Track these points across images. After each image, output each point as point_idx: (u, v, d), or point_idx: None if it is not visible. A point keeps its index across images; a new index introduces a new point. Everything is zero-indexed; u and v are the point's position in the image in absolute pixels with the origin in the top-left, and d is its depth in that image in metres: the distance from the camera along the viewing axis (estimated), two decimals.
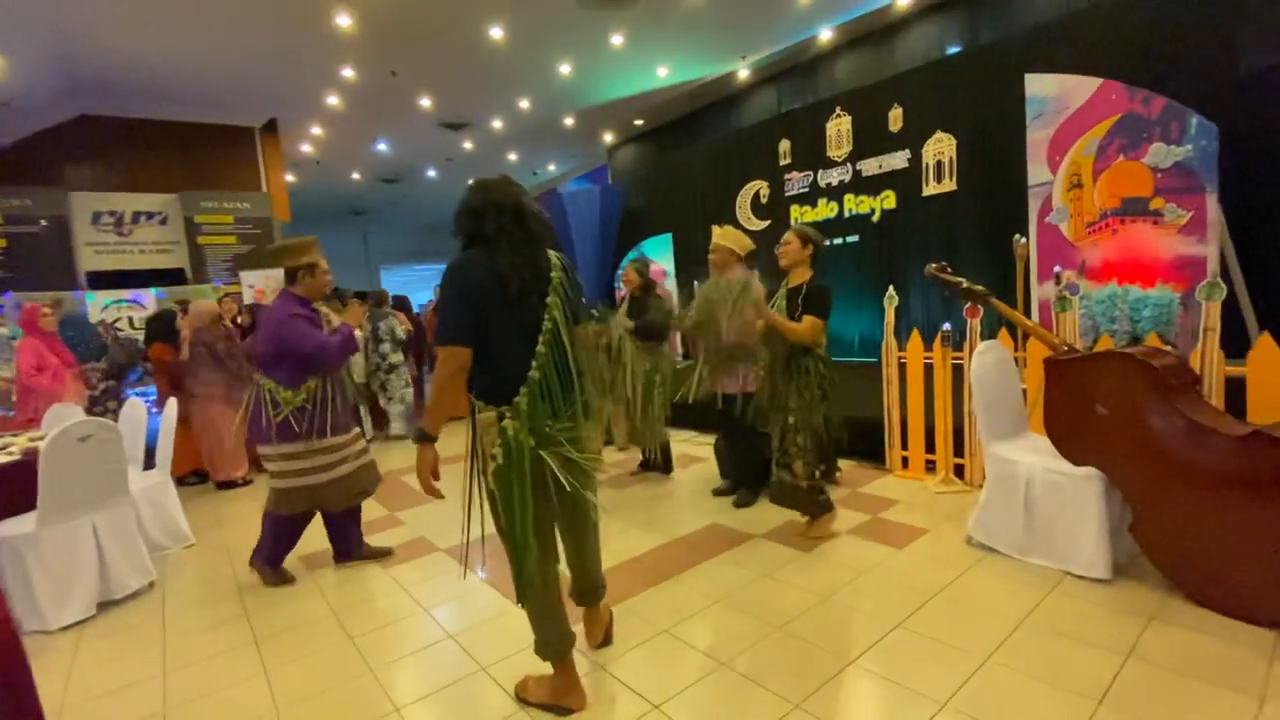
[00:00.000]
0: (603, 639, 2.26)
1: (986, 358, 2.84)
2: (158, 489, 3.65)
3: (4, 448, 3.25)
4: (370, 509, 3.27)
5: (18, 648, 1.32)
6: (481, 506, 1.89)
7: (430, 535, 3.54)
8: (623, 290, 4.40)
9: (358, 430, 3.16)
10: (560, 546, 2.05)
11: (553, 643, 1.92)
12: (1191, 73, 4.30)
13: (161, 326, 5.12)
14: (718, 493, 3.80)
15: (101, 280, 7.08)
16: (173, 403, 3.90)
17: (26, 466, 2.90)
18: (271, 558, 3.07)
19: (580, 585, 2.20)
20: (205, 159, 7.99)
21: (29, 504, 2.80)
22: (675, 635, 2.32)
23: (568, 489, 1.79)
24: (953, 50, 6.66)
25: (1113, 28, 4.72)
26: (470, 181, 1.95)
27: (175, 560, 3.51)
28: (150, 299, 6.83)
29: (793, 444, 2.94)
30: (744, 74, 8.53)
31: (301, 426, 2.84)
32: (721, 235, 3.47)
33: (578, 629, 2.13)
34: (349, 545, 3.24)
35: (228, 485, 4.91)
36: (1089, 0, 5.43)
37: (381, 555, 3.28)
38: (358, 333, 3.14)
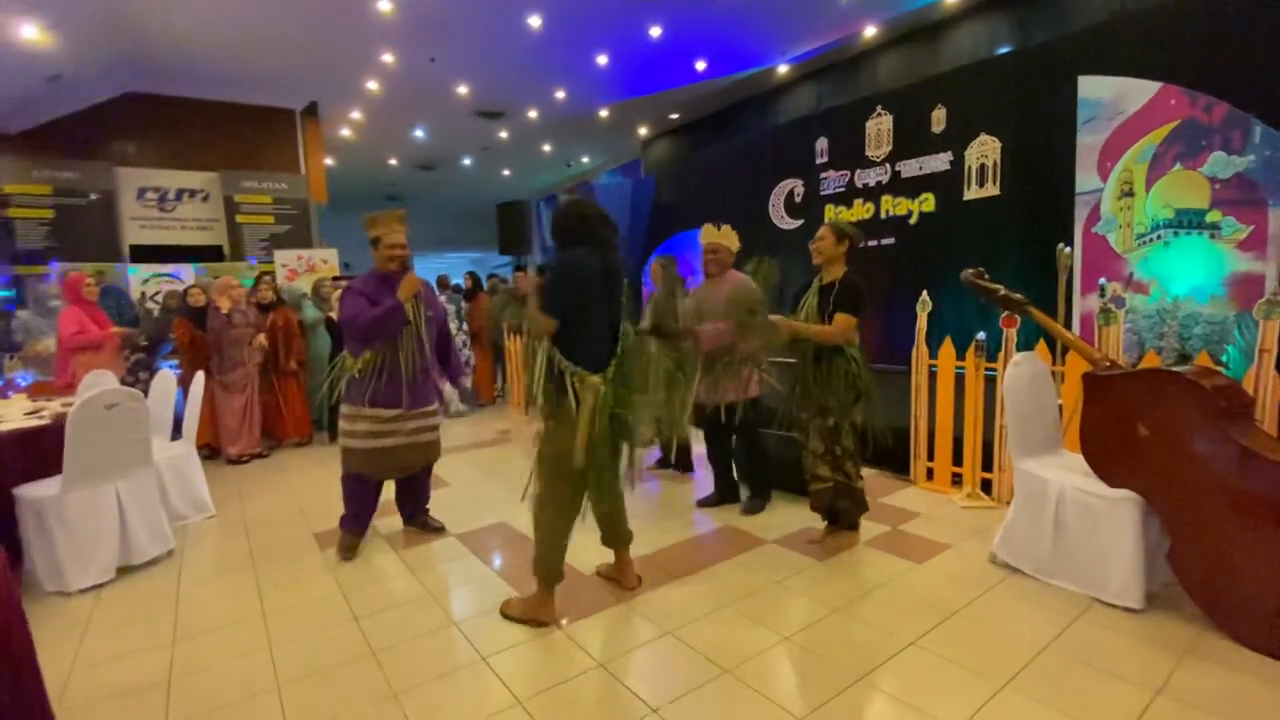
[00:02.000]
0: (636, 581, 2.62)
1: (1021, 370, 2.72)
2: (182, 460, 3.72)
3: (37, 411, 3.34)
4: (390, 489, 3.31)
5: (18, 616, 1.33)
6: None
7: (444, 521, 3.54)
8: (651, 286, 4.36)
9: (425, 409, 3.14)
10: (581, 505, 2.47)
11: (552, 567, 2.38)
12: (1257, 79, 4.05)
13: (181, 304, 5.24)
14: (702, 503, 3.63)
15: (144, 254, 7.27)
16: (200, 376, 3.98)
17: (55, 431, 2.97)
18: (345, 519, 3.17)
19: (613, 532, 2.58)
20: (247, 139, 8.15)
21: (57, 468, 2.86)
22: (679, 638, 2.26)
23: (627, 441, 2.37)
24: (1002, 50, 6.42)
25: (1174, 29, 4.47)
26: (567, 196, 2.37)
27: (195, 530, 3.58)
28: (189, 274, 7.00)
29: (840, 446, 2.85)
30: (784, 69, 8.37)
31: (353, 392, 3.00)
32: (721, 235, 3.41)
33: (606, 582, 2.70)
34: (408, 509, 3.41)
35: (235, 461, 5.01)
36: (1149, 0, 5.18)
37: (435, 530, 3.38)
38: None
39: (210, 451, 5.12)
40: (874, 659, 2.09)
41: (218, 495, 3.97)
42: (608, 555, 2.73)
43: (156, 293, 6.69)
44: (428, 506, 3.46)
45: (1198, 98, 3.98)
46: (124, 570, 2.97)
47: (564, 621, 2.39)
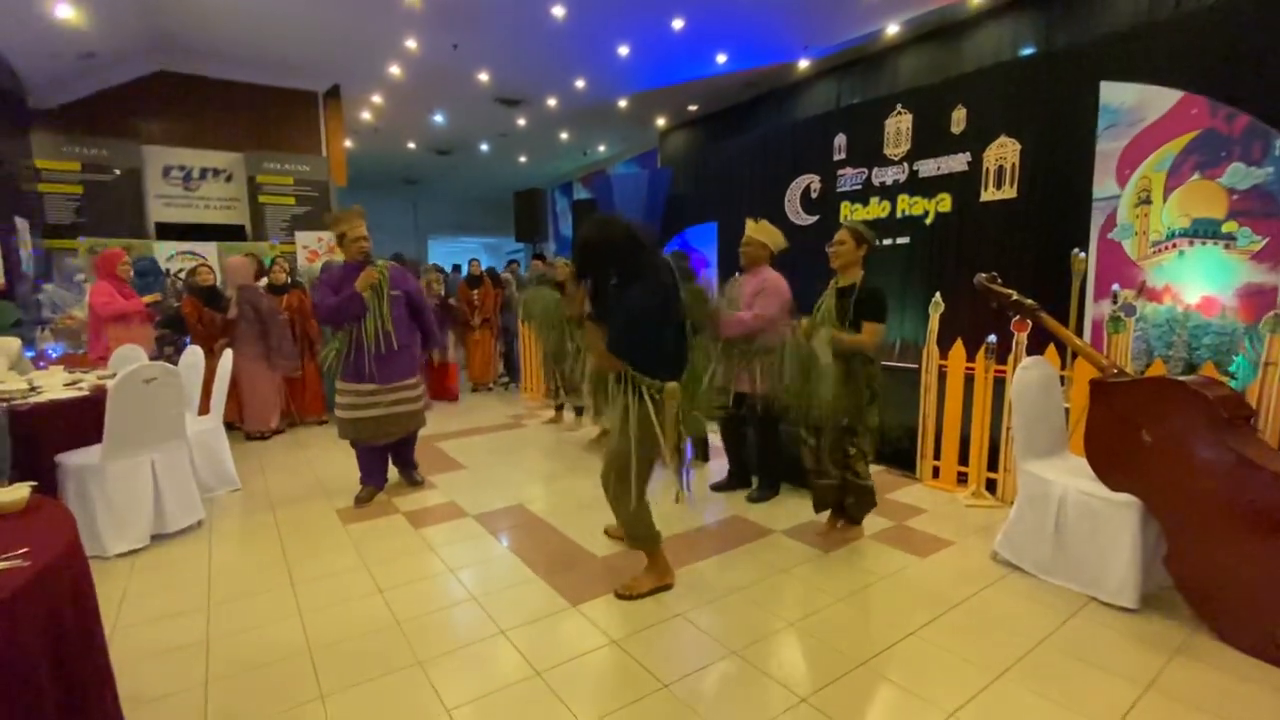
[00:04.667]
0: None
1: (1030, 374, 2.78)
2: (210, 434, 3.85)
3: (74, 383, 3.48)
4: None
5: (86, 573, 1.44)
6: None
7: (461, 501, 3.66)
8: None
9: (403, 383, 3.54)
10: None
11: (649, 534, 2.56)
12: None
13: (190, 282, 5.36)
14: (716, 488, 3.78)
15: (169, 231, 7.42)
16: (228, 354, 4.10)
17: (94, 403, 3.10)
18: (362, 476, 3.71)
19: None
20: (270, 121, 8.25)
21: (95, 437, 3.00)
22: (690, 620, 2.36)
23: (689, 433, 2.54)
24: (1025, 52, 6.41)
25: (1198, 39, 4.47)
26: (605, 215, 2.52)
27: (222, 503, 3.71)
28: (212, 253, 7.13)
29: (852, 445, 2.92)
30: (804, 65, 8.37)
31: (339, 368, 3.49)
32: (756, 229, 3.44)
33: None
34: (398, 463, 3.93)
35: (253, 437, 5.15)
36: (1175, 8, 5.17)
37: (416, 483, 3.92)
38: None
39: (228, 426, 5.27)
40: (875, 646, 2.19)
41: (241, 470, 4.09)
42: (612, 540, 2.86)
43: (180, 270, 6.83)
44: (415, 462, 3.99)
45: (1219, 108, 3.99)
46: (157, 538, 3.10)
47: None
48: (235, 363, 4.92)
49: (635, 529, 2.54)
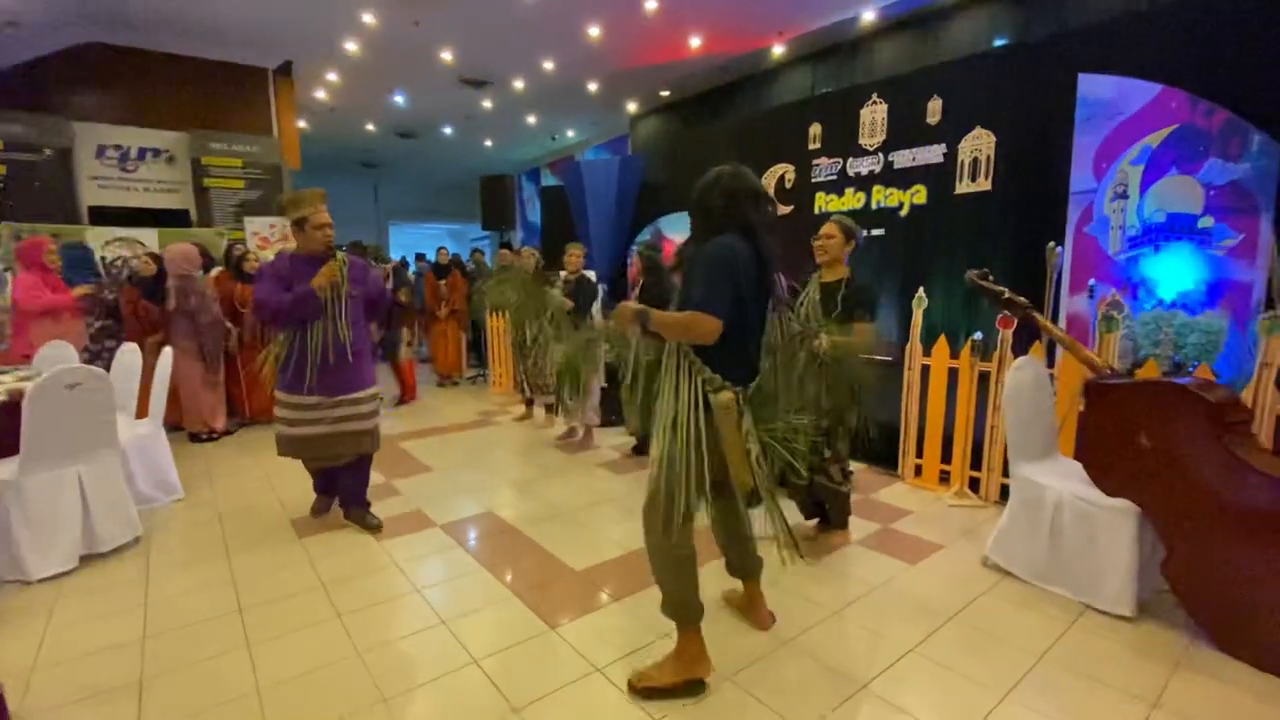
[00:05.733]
0: (769, 619, 2.30)
1: (1023, 374, 2.70)
2: (149, 439, 3.53)
3: None
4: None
5: None
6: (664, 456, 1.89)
7: (427, 509, 3.44)
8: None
9: (355, 396, 2.96)
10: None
11: (686, 601, 1.95)
12: (1259, 87, 4.06)
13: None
14: None
15: (104, 216, 6.88)
16: (168, 351, 3.77)
17: (11, 409, 2.78)
18: (315, 485, 3.31)
19: (737, 561, 2.29)
20: (216, 98, 7.72)
21: (12, 448, 2.69)
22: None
23: (765, 469, 1.90)
24: (1002, 42, 6.37)
25: (1178, 32, 4.44)
26: (721, 168, 1.95)
27: (163, 514, 3.41)
28: (154, 240, 6.65)
29: (828, 449, 2.81)
30: (779, 51, 8.22)
31: (279, 377, 2.93)
32: None
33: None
34: (345, 499, 3.24)
35: (197, 438, 4.84)
36: (1155, 1, 5.15)
37: (370, 527, 3.15)
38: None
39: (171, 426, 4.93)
40: (874, 666, 2.07)
41: (185, 475, 3.79)
42: (591, 551, 2.67)
43: (117, 259, 6.35)
44: (368, 499, 3.25)
45: (1198, 103, 3.97)
46: (87, 559, 2.81)
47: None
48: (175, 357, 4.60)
49: (666, 587, 1.97)
